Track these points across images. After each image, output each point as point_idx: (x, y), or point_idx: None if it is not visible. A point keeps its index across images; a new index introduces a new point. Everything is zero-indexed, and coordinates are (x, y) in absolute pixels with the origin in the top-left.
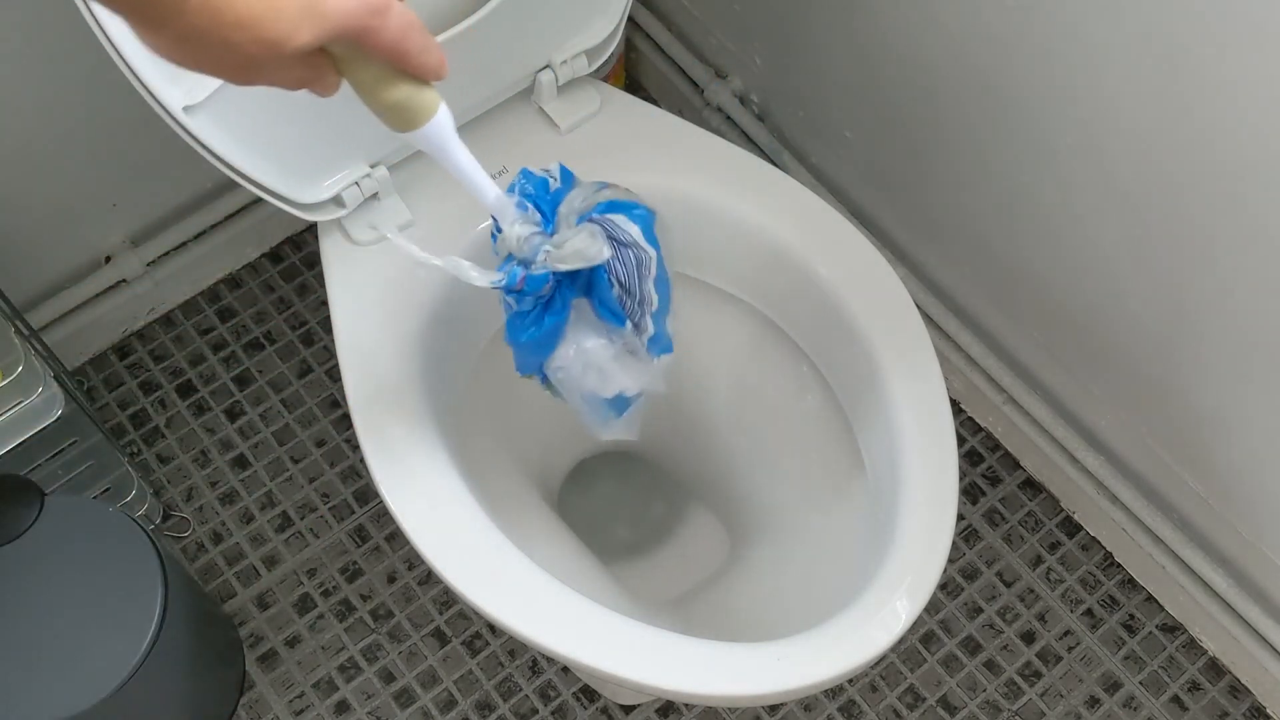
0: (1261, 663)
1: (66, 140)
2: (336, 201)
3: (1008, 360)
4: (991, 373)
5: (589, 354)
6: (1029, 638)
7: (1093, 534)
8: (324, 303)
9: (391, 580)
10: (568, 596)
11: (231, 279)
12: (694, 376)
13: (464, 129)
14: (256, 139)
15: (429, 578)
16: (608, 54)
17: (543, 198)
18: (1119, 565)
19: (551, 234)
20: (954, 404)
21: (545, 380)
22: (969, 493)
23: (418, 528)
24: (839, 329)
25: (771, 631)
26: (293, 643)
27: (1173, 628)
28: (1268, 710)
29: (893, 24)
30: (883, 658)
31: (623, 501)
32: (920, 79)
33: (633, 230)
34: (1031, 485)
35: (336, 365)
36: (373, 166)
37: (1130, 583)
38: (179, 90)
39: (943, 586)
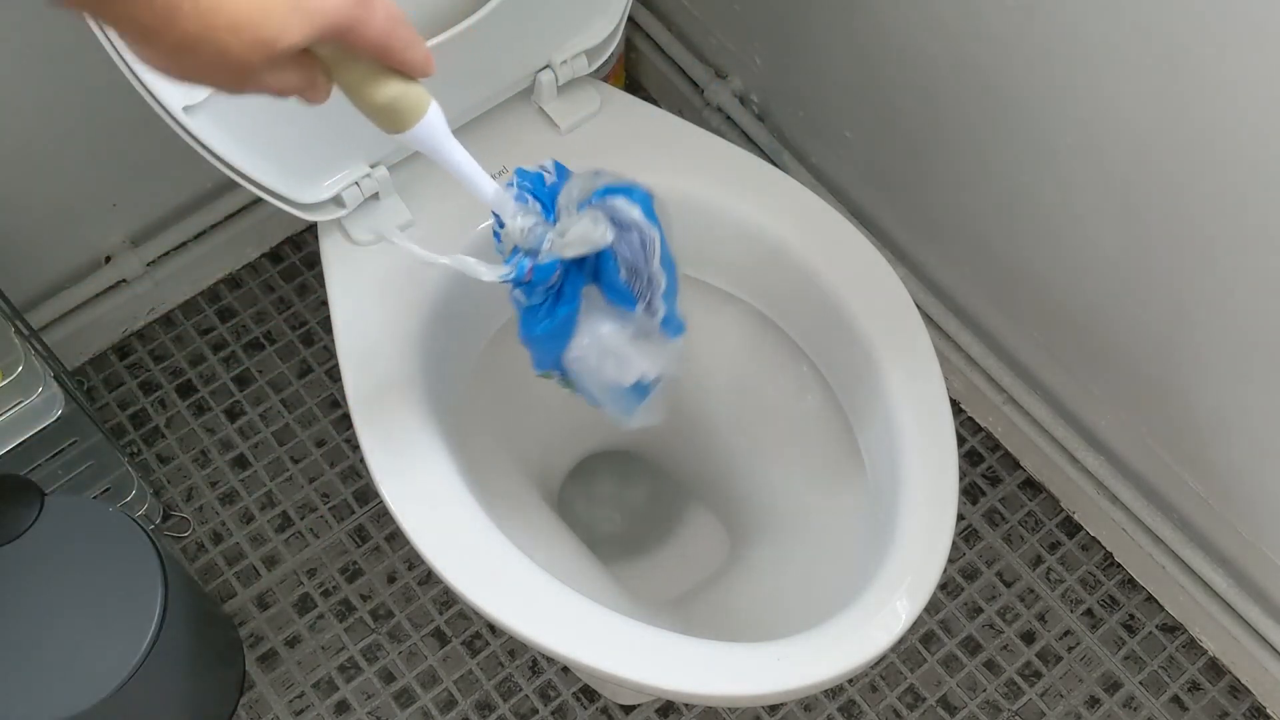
0: (1261, 663)
1: (66, 140)
2: (336, 201)
3: (1008, 360)
4: (991, 373)
5: (604, 340)
6: (1029, 638)
7: (1093, 534)
8: (324, 303)
9: (391, 580)
10: (568, 596)
11: (231, 279)
12: (694, 376)
13: (464, 129)
14: (256, 139)
15: (429, 578)
16: (608, 54)
17: (541, 190)
18: (1119, 565)
19: (554, 223)
20: (954, 404)
21: (564, 375)
22: (969, 493)
23: (418, 528)
24: (839, 329)
25: (771, 631)
26: (293, 643)
27: (1173, 628)
28: (1268, 710)
29: (893, 24)
30: (883, 658)
31: (623, 501)
32: (920, 79)
33: (634, 211)
34: (1031, 485)
35: (336, 365)
36: (373, 166)
37: (1130, 583)
38: (179, 90)
39: (943, 586)
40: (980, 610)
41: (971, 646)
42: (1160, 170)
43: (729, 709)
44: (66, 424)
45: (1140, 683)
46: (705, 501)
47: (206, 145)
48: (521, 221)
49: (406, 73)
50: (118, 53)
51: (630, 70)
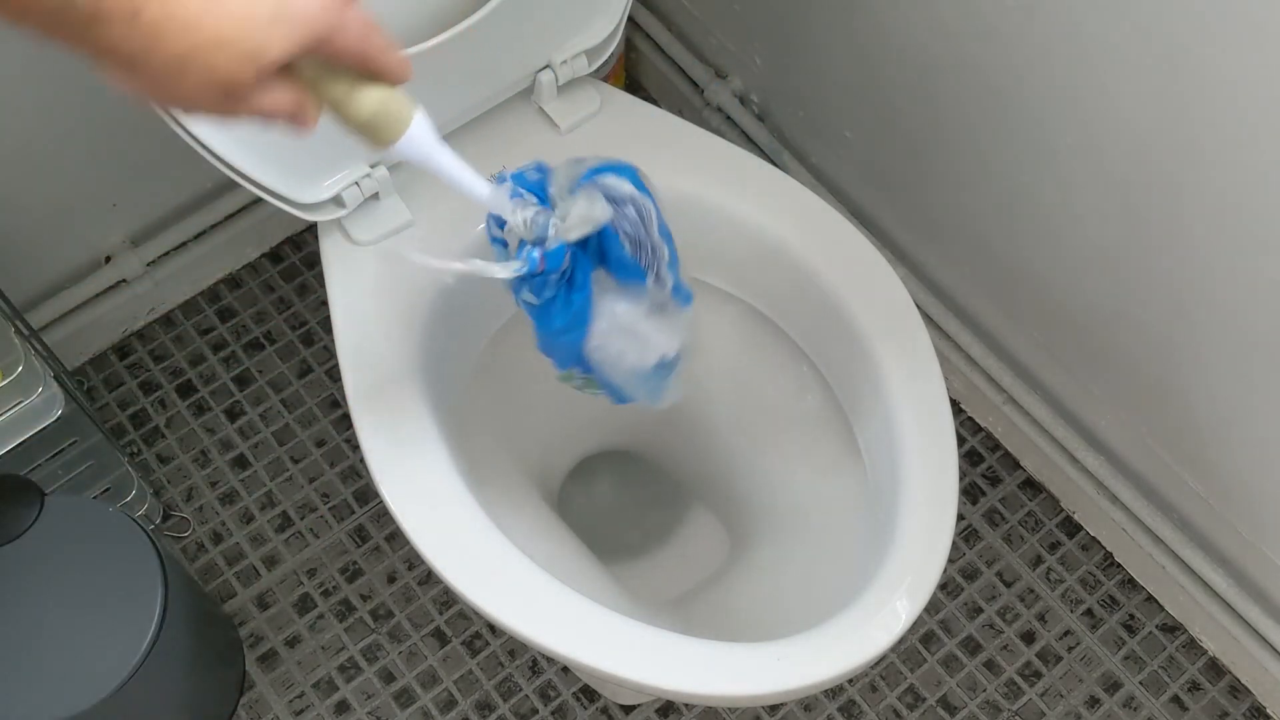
0: (1261, 663)
1: (66, 140)
2: (336, 201)
3: (1008, 360)
4: (991, 373)
5: (622, 319)
6: (1029, 638)
7: (1093, 534)
8: (324, 303)
9: (391, 580)
10: (568, 596)
11: (231, 279)
12: (694, 376)
13: (464, 129)
14: (256, 139)
15: (429, 578)
16: (608, 54)
17: (531, 185)
18: (1119, 565)
19: (552, 211)
20: (954, 404)
21: (585, 373)
22: (969, 493)
23: (418, 528)
24: (839, 329)
25: (771, 631)
26: (293, 643)
27: (1173, 628)
28: (1268, 710)
29: (893, 24)
30: (883, 658)
31: (623, 501)
32: (920, 79)
33: (624, 185)
34: (1031, 485)
35: (336, 365)
36: (373, 166)
37: (1130, 583)
38: None
39: (943, 586)
40: (980, 610)
41: (971, 646)
42: (1160, 170)
43: (729, 709)
44: (66, 424)
45: (1140, 683)
46: (705, 501)
47: (206, 145)
48: (522, 214)
49: (387, 78)
50: None
51: (630, 70)
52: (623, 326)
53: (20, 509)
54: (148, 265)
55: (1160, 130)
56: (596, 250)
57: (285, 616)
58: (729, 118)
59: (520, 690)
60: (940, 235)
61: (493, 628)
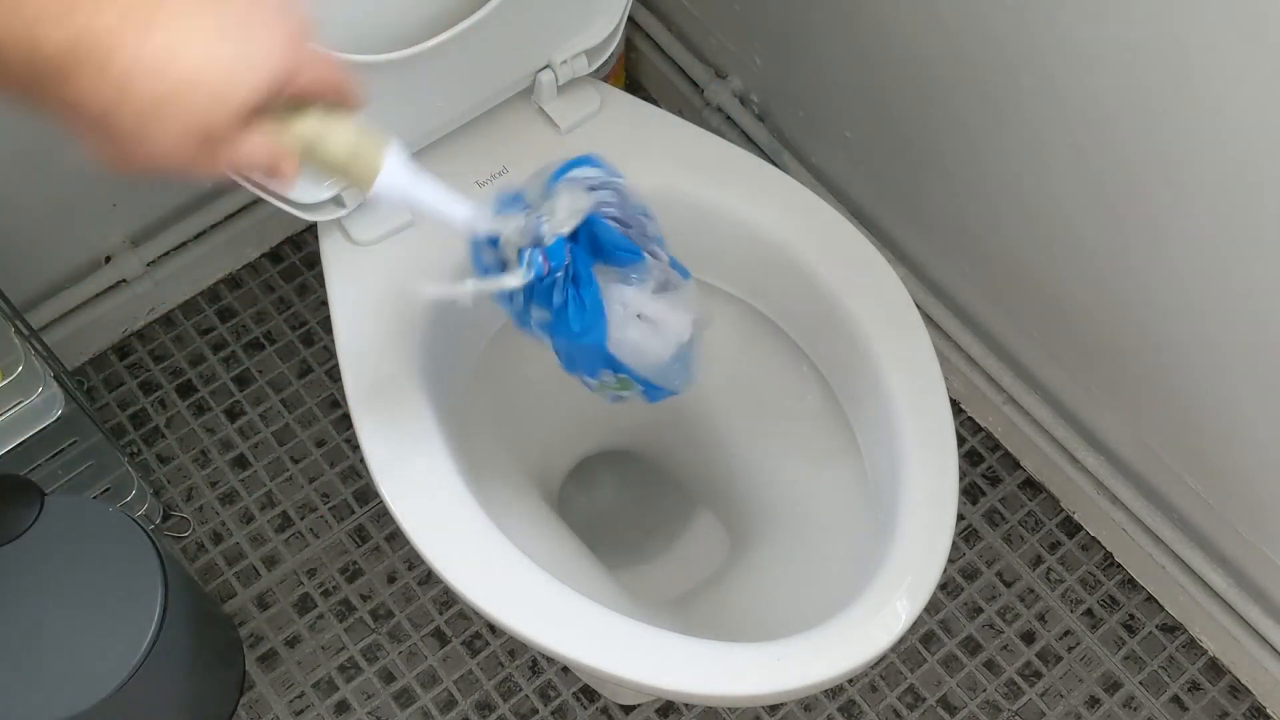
0: (1261, 663)
1: (66, 140)
2: (336, 201)
3: (1008, 360)
4: (991, 373)
5: (633, 304)
6: (1029, 638)
7: (1093, 534)
8: (324, 303)
9: (391, 580)
10: (568, 596)
11: (231, 279)
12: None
13: (464, 129)
14: None
15: (429, 578)
16: (608, 54)
17: (508, 200)
18: (1119, 565)
19: (539, 217)
20: (954, 404)
21: (618, 371)
22: (969, 493)
23: (418, 528)
24: (839, 329)
25: (771, 631)
26: (293, 643)
27: (1173, 628)
28: (1268, 710)
29: (893, 24)
30: (883, 658)
31: (623, 501)
32: (920, 79)
33: (593, 172)
34: (1031, 485)
35: (336, 365)
36: None
37: (1130, 583)
38: None
39: (943, 586)
40: (980, 610)
41: (971, 646)
42: (1161, 171)
43: (729, 709)
44: (66, 424)
45: (1140, 683)
46: (705, 501)
47: None
48: (513, 223)
49: (347, 105)
50: None
51: (630, 70)
52: (636, 312)
53: (20, 509)
54: (148, 265)
55: (1162, 130)
56: (590, 243)
57: (285, 616)
58: (729, 118)
59: (520, 690)
60: (940, 235)
61: (493, 628)
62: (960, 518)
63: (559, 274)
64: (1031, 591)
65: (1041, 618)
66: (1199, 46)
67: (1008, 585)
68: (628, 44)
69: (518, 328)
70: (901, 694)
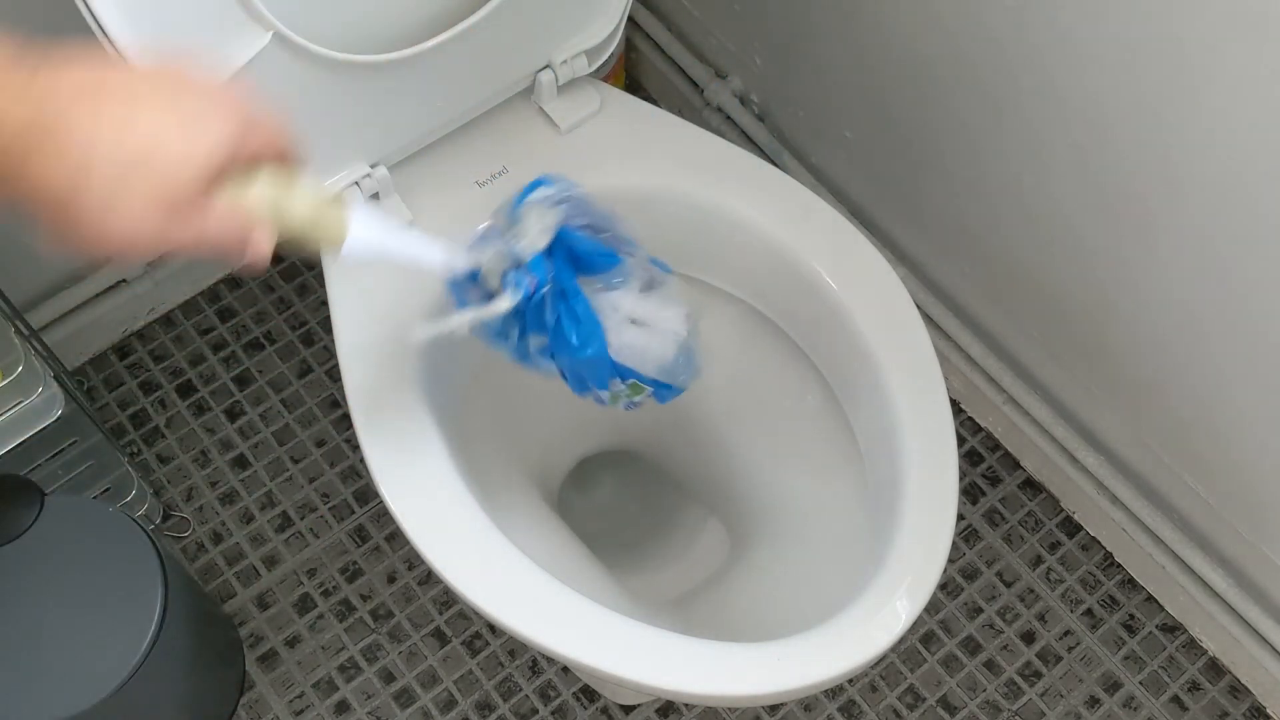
0: (1261, 663)
1: None
2: None
3: (1008, 360)
4: (991, 373)
5: (625, 308)
6: (1029, 638)
7: (1093, 534)
8: (324, 303)
9: (391, 580)
10: (568, 596)
11: (231, 279)
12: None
13: (464, 129)
14: None
15: (429, 578)
16: (608, 54)
17: (477, 238)
18: (1119, 565)
19: (512, 239)
20: (954, 404)
21: (627, 376)
22: (969, 493)
23: (418, 528)
24: (839, 329)
25: (771, 631)
26: (293, 643)
27: (1173, 628)
28: (1268, 710)
29: (893, 24)
30: (883, 658)
31: (623, 501)
32: (920, 79)
33: (553, 189)
34: (1031, 485)
35: (336, 365)
36: (373, 166)
37: (1130, 583)
38: None
39: (943, 586)
40: (980, 610)
41: (971, 646)
42: (1161, 170)
43: (729, 709)
44: (66, 424)
45: (1140, 683)
46: (705, 501)
47: None
48: (490, 251)
49: (295, 163)
50: (118, 53)
51: (630, 70)
52: (629, 315)
53: (20, 509)
54: (148, 265)
55: (1162, 130)
56: (568, 257)
57: (285, 616)
58: (729, 118)
59: (520, 690)
60: (940, 235)
61: (493, 628)
62: (960, 518)
63: (545, 290)
64: (1031, 591)
65: (1041, 618)
66: (1199, 46)
67: (1008, 585)
68: (628, 44)
69: (520, 364)
70: (901, 694)
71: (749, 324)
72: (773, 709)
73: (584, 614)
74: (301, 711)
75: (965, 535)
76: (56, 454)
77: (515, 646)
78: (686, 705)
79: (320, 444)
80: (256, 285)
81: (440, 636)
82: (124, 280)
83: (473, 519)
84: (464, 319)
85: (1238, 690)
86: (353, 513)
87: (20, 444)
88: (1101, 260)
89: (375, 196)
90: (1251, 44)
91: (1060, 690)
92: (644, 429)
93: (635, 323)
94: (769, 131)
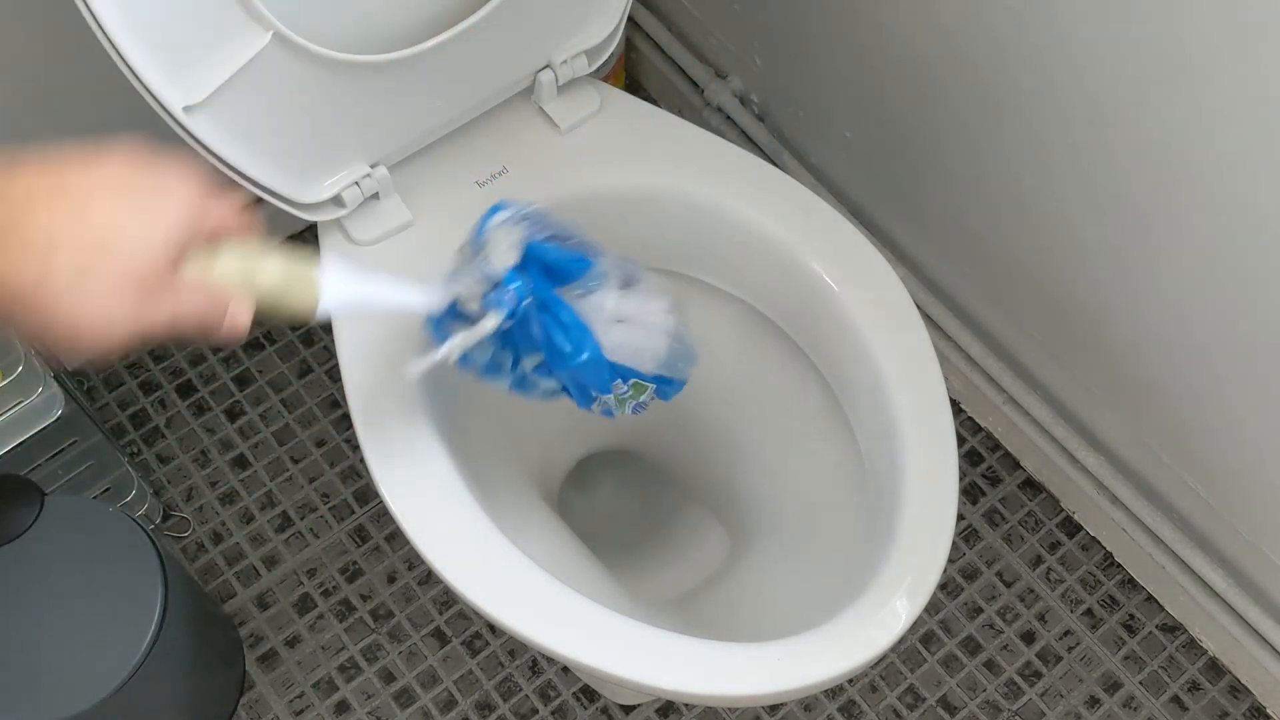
0: (1261, 663)
1: (66, 140)
2: (336, 201)
3: (1008, 360)
4: (991, 373)
5: (610, 308)
6: (1029, 638)
7: (1093, 534)
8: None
9: (391, 580)
10: (568, 596)
11: None
12: (694, 377)
13: (464, 129)
14: (256, 139)
15: (429, 578)
16: (608, 54)
17: (449, 276)
18: (1119, 565)
19: (482, 262)
20: (954, 404)
21: (628, 378)
22: (969, 493)
23: (418, 528)
24: (839, 329)
25: (771, 631)
26: (293, 643)
27: (1173, 628)
28: (1268, 710)
29: (892, 24)
30: (883, 658)
31: (623, 501)
32: (920, 79)
33: (509, 210)
34: (1031, 485)
35: (336, 365)
36: (373, 166)
37: (1130, 583)
38: (179, 90)
39: (943, 586)
40: (980, 610)
41: (971, 646)
42: (1161, 171)
43: (729, 709)
44: (66, 424)
45: (1140, 683)
46: (705, 501)
47: (206, 145)
48: (466, 280)
49: (249, 235)
50: (118, 52)
51: (630, 70)
52: (614, 315)
53: (20, 509)
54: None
55: (1163, 129)
56: (541, 270)
57: (285, 616)
58: (729, 118)
59: (520, 690)
60: (940, 235)
61: (493, 628)
62: (960, 518)
63: (526, 303)
64: (1031, 591)
65: (1041, 618)
66: (1199, 46)
67: (1008, 585)
68: (628, 44)
69: (522, 394)
70: (901, 694)
71: (749, 324)
72: (773, 709)
73: (584, 614)
74: (301, 711)
75: (965, 535)
76: (56, 454)
77: (515, 646)
78: (686, 705)
79: (320, 444)
80: None
81: (440, 636)
82: None
83: (473, 519)
84: (455, 345)
85: (1238, 690)
86: (353, 513)
87: (20, 444)
88: (1101, 260)
89: (375, 196)
90: (1251, 44)
91: (1060, 690)
92: (644, 429)
93: (622, 321)
94: (769, 131)
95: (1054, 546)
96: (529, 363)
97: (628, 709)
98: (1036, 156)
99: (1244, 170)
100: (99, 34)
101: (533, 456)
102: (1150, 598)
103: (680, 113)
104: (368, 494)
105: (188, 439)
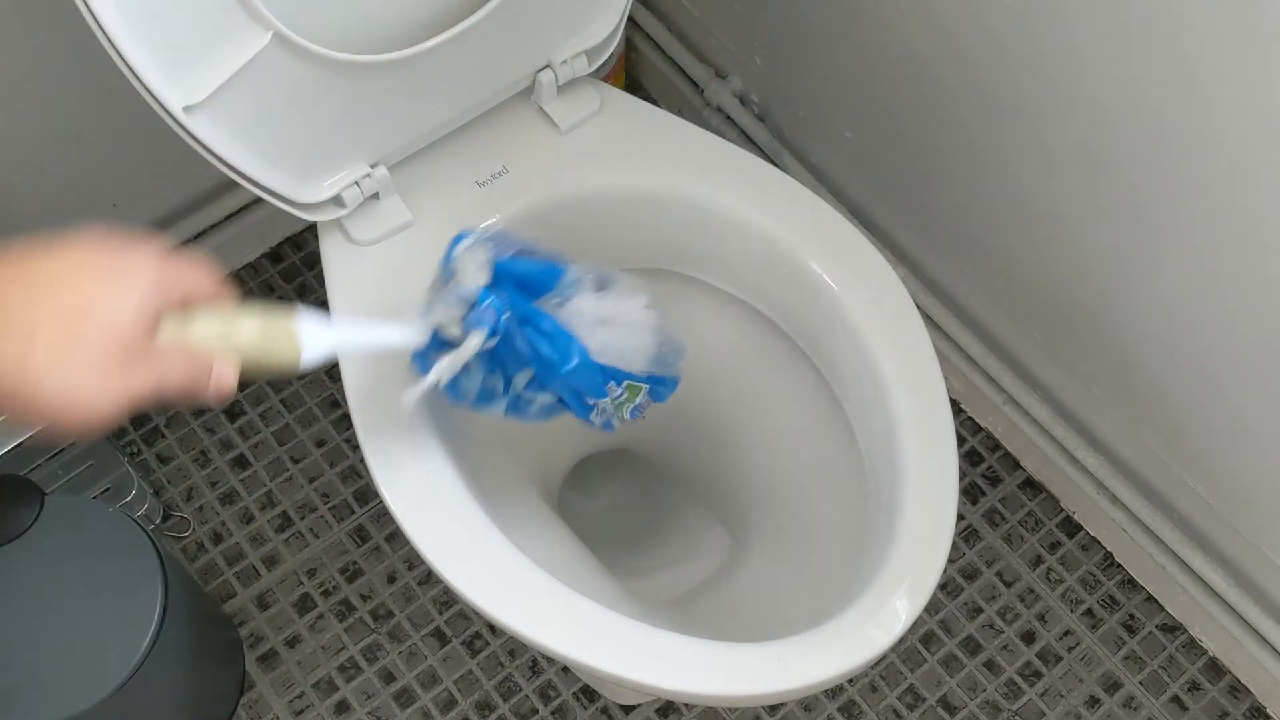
0: (1261, 663)
1: (67, 140)
2: (336, 201)
3: (1008, 360)
4: (991, 373)
5: (589, 312)
6: (1029, 638)
7: (1093, 534)
8: (324, 303)
9: (391, 580)
10: (568, 596)
11: (231, 279)
12: (694, 377)
13: (464, 129)
14: (256, 139)
15: (429, 578)
16: (608, 54)
17: (424, 310)
18: (1119, 565)
19: (455, 289)
20: (954, 404)
21: (620, 379)
22: (969, 493)
23: (418, 528)
24: (839, 329)
25: (771, 631)
26: (293, 643)
27: (1173, 628)
28: (1268, 710)
29: (893, 24)
30: (883, 658)
31: (623, 501)
32: (920, 79)
33: (471, 238)
34: (1031, 485)
35: (336, 365)
36: (373, 166)
37: (1130, 583)
38: (179, 90)
39: (943, 586)
40: (980, 610)
41: (971, 646)
42: (1161, 171)
43: (729, 709)
44: None
45: (1140, 683)
46: (705, 502)
47: (206, 145)
48: (442, 306)
49: (220, 298)
50: (117, 53)
51: (630, 70)
52: (594, 319)
53: (20, 509)
54: None
55: (1163, 129)
56: (515, 286)
57: (285, 616)
58: (729, 118)
59: (520, 690)
60: (940, 235)
61: (493, 628)
62: (960, 518)
63: (506, 317)
64: (1031, 591)
65: (1041, 618)
66: (1199, 46)
67: (1008, 585)
68: (628, 44)
69: (518, 417)
70: (901, 694)
71: (749, 324)
72: (773, 709)
73: (584, 614)
74: (301, 711)
75: (965, 535)
76: (56, 454)
77: (515, 646)
78: (686, 705)
79: (320, 444)
80: (256, 285)
81: (440, 636)
82: None
83: (473, 519)
84: (443, 368)
85: (1238, 690)
86: (353, 513)
87: (20, 444)
88: (1102, 260)
89: (375, 196)
90: (1251, 44)
91: (1060, 690)
92: (644, 429)
93: (604, 323)
94: (769, 131)
95: (1054, 546)
96: (520, 380)
97: (628, 709)
98: (1036, 156)
99: (1244, 170)
100: (99, 34)
101: (533, 456)
102: (1150, 598)
103: (680, 113)
104: (368, 494)
105: (188, 439)
